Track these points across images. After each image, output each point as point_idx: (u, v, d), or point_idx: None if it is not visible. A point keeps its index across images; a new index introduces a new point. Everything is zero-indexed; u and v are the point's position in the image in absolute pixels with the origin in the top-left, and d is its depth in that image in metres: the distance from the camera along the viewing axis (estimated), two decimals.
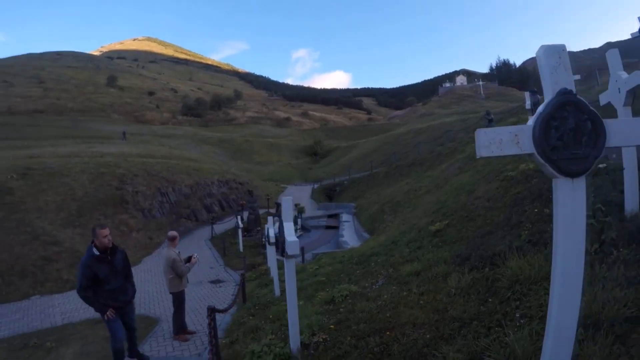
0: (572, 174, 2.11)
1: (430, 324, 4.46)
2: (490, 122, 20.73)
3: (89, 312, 10.54)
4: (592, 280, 3.56)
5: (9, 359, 9.60)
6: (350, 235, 23.47)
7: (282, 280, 12.56)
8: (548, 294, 3.18)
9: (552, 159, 2.09)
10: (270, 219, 25.68)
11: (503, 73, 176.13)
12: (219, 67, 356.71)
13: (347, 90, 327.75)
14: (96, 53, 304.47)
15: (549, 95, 2.21)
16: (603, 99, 5.44)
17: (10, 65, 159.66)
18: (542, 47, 2.23)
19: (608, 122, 2.15)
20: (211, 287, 15.49)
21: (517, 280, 4.32)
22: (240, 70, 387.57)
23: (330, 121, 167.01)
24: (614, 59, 4.94)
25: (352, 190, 39.81)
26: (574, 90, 2.16)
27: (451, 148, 29.29)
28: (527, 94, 16.64)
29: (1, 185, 24.55)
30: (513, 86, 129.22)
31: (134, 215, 27.71)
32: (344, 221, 28.38)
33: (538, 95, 16.61)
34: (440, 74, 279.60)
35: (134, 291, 6.71)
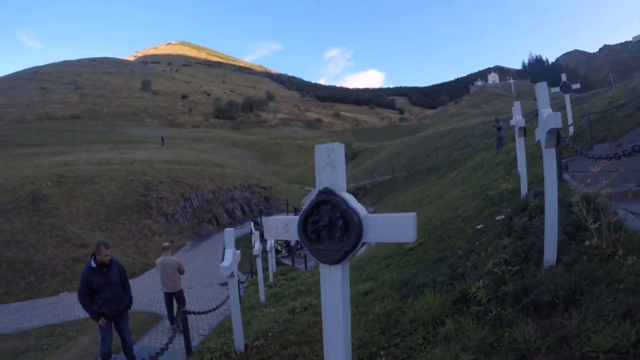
0: (327, 263, 2.20)
1: None
2: (499, 130, 21.13)
3: None
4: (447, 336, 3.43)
5: (37, 344, 11.79)
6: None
7: (270, 287, 13.93)
8: (425, 337, 3.69)
9: (310, 248, 2.25)
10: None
11: (536, 70, 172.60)
12: (252, 69, 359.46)
13: (380, 89, 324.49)
14: (131, 58, 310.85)
15: (315, 192, 2.35)
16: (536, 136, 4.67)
17: (48, 72, 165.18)
18: (316, 147, 2.33)
19: (366, 219, 2.06)
20: (219, 289, 17.30)
21: (415, 318, 4.23)
22: (272, 71, 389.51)
23: (361, 121, 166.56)
24: (541, 93, 4.31)
25: (372, 195, 39.87)
26: (335, 189, 2.16)
27: (466, 154, 29.14)
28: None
29: (37, 193, 27.02)
30: (548, 83, 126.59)
31: (157, 220, 29.29)
32: None
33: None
34: (473, 71, 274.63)
35: (131, 301, 7.49)
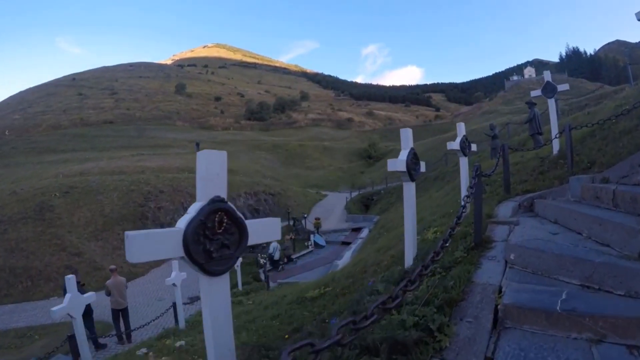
0: (220, 272, 2.38)
1: None
2: (493, 139, 18.64)
3: None
4: None
5: (9, 343, 14.13)
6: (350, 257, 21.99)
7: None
8: None
9: (203, 260, 2.27)
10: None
11: (573, 62, 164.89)
12: (288, 69, 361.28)
13: (417, 86, 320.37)
14: (168, 62, 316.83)
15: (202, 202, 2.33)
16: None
17: (86, 78, 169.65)
18: (199, 154, 2.38)
19: (249, 223, 2.55)
20: (188, 303, 17.28)
21: None
22: (308, 70, 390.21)
23: (395, 120, 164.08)
24: (405, 136, 5.18)
25: (384, 202, 37.79)
26: (224, 197, 2.40)
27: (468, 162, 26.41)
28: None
29: (45, 203, 28.38)
30: (583, 77, 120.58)
31: None
32: (359, 237, 26.86)
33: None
34: (511, 65, 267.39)
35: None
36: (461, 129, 7.55)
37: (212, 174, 2.36)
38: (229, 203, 2.41)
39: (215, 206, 2.28)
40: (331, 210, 41.04)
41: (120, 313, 12.61)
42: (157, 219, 30.36)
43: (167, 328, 13.21)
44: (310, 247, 28.08)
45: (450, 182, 24.28)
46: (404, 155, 5.13)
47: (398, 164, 5.05)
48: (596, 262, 3.48)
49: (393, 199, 35.88)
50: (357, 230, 30.95)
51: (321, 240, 29.31)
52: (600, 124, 7.68)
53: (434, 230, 7.19)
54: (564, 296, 3.19)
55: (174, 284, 12.96)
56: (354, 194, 47.31)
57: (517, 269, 4.23)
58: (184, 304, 16.59)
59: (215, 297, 2.40)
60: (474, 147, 8.00)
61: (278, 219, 3.06)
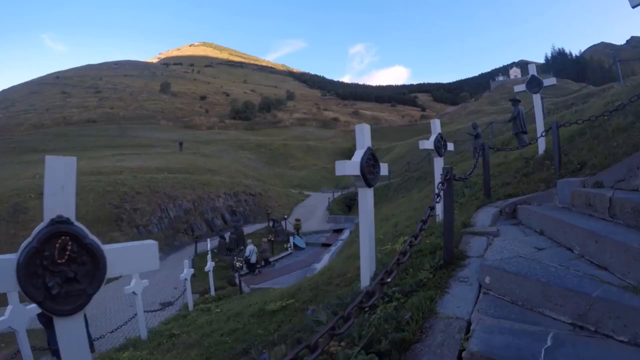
0: (66, 312, 1.92)
1: None
2: (476, 138, 17.88)
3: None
4: None
5: None
6: (328, 260, 21.23)
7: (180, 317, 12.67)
8: None
9: (42, 297, 1.85)
10: (250, 241, 24.38)
11: (559, 63, 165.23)
12: (274, 68, 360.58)
13: (403, 86, 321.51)
14: (154, 60, 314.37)
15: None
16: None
17: (70, 76, 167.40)
18: (48, 158, 2.05)
19: (108, 251, 2.11)
20: (158, 309, 16.49)
21: None
22: (295, 70, 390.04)
23: (382, 119, 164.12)
24: (361, 133, 4.66)
25: None
26: (71, 217, 2.03)
27: (447, 164, 25.54)
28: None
29: (19, 205, 27.19)
30: (568, 78, 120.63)
31: (126, 233, 27.88)
32: (340, 239, 26.12)
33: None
34: (497, 65, 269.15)
35: None
36: (436, 126, 6.70)
37: (54, 188, 1.95)
38: (79, 225, 2.01)
39: (56, 229, 1.89)
40: (313, 210, 40.21)
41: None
42: (133, 221, 29.21)
43: (129, 338, 12.41)
44: (289, 249, 27.23)
45: (432, 183, 23.50)
46: (358, 156, 4.29)
47: (349, 167, 4.18)
48: (593, 297, 2.67)
49: (375, 199, 34.44)
50: (339, 231, 30.29)
51: (301, 242, 28.48)
52: (592, 120, 6.82)
53: (404, 240, 6.29)
54: (549, 342, 2.43)
55: (134, 292, 12.03)
56: (337, 194, 46.51)
57: (492, 295, 3.43)
58: (155, 310, 16.14)
59: (66, 339, 1.96)
60: (450, 146, 7.15)
61: (154, 243, 2.37)
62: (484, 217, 6.08)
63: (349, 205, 42.02)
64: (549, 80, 9.48)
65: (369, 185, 4.40)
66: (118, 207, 29.92)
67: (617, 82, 18.88)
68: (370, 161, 4.42)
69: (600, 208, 4.25)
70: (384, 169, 4.82)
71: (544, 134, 7.80)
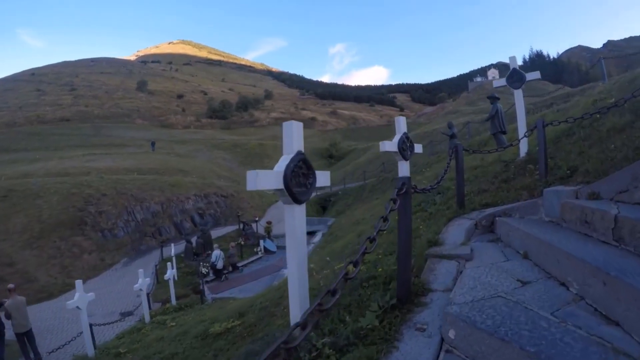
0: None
1: None
2: (451, 138, 16.96)
3: None
4: None
5: None
6: None
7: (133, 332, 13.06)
8: None
9: None
10: (216, 246, 23.19)
11: (536, 65, 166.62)
12: (253, 67, 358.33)
13: (382, 86, 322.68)
14: (132, 58, 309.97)
15: None
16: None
17: (45, 73, 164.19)
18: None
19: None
20: (117, 320, 15.35)
21: None
22: (274, 69, 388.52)
23: (360, 119, 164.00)
24: (290, 132, 3.63)
25: (341, 203, 35.91)
26: None
27: (418, 166, 24.35)
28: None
29: None
30: (546, 79, 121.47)
31: (90, 237, 26.87)
32: (312, 242, 24.98)
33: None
34: (476, 67, 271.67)
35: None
36: (400, 125, 5.64)
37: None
38: None
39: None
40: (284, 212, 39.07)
41: (25, 337, 11.04)
42: (97, 225, 27.81)
43: (76, 354, 11.49)
44: (259, 253, 26.06)
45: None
46: (282, 164, 3.23)
47: (265, 179, 3.13)
48: None
49: (350, 200, 34.21)
50: (311, 234, 29.15)
51: (272, 246, 27.33)
52: (585, 118, 5.78)
53: (375, 252, 5.22)
54: None
55: (77, 307, 10.84)
56: (312, 194, 45.51)
57: (458, 357, 2.48)
58: (113, 321, 14.74)
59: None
60: (418, 148, 6.10)
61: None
62: (455, 232, 5.04)
63: (324, 206, 40.91)
64: (533, 74, 8.45)
65: (296, 201, 3.31)
66: (82, 210, 28.61)
67: (602, 80, 18.13)
68: (300, 170, 3.33)
69: (601, 228, 3.27)
70: (323, 179, 3.73)
71: (527, 134, 6.70)
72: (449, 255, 4.07)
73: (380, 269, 4.07)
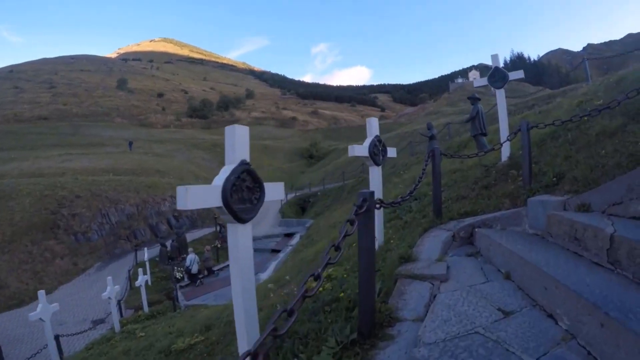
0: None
1: None
2: (430, 139, 16.54)
3: None
4: None
5: None
6: (273, 269, 19.61)
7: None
8: None
9: None
10: (191, 250, 22.55)
11: (517, 67, 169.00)
12: (235, 66, 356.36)
13: (364, 87, 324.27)
14: (113, 55, 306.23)
15: None
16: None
17: (24, 70, 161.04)
18: None
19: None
20: (89, 328, 14.93)
21: None
22: (256, 68, 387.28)
23: (341, 119, 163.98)
24: (232, 137, 3.03)
25: (319, 204, 35.59)
26: None
27: (397, 167, 23.78)
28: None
29: None
30: (527, 81, 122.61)
31: (63, 241, 25.99)
32: (290, 245, 24.53)
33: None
34: (457, 68, 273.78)
35: None
36: (372, 126, 5.14)
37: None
38: None
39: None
40: (265, 213, 38.36)
41: None
42: (70, 228, 26.82)
43: None
44: None
45: (385, 185, 22.25)
46: (222, 176, 2.73)
47: (197, 196, 2.61)
48: None
49: (329, 201, 33.89)
50: (290, 235, 28.81)
51: None
52: (575, 121, 5.30)
53: (330, 273, 4.72)
54: None
55: (40, 319, 10.23)
56: (291, 195, 44.99)
57: None
58: (84, 330, 14.35)
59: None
60: (391, 152, 5.60)
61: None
62: (431, 246, 4.57)
63: (303, 207, 40.54)
64: (516, 74, 7.97)
65: (239, 220, 2.80)
66: (55, 212, 27.64)
67: (586, 82, 17.90)
68: (244, 183, 2.82)
69: (594, 247, 2.85)
70: (274, 192, 3.21)
71: (510, 137, 6.21)
72: (421, 276, 3.60)
73: (342, 294, 3.56)
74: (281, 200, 42.14)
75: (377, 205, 3.03)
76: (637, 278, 2.41)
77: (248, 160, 2.88)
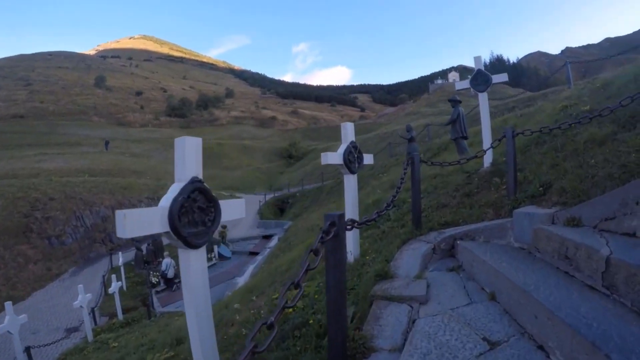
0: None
1: None
2: (410, 142, 16.27)
3: None
4: None
5: None
6: (251, 273, 19.14)
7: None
8: None
9: None
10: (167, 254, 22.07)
11: (497, 69, 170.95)
12: (215, 65, 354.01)
13: (344, 87, 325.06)
14: (91, 52, 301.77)
15: None
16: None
17: (0, 67, 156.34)
18: None
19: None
20: (62, 337, 14.32)
21: None
22: (236, 67, 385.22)
23: (320, 119, 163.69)
24: (180, 150, 2.75)
25: (298, 205, 35.19)
26: None
27: (376, 169, 23.54)
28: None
29: None
30: (507, 83, 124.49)
31: (36, 245, 25.16)
32: (268, 247, 24.14)
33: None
34: (437, 69, 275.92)
35: None
36: (347, 132, 4.83)
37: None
38: None
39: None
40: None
41: None
42: (44, 232, 26.02)
43: None
44: (214, 259, 24.84)
45: (363, 189, 22.00)
46: (169, 196, 2.44)
47: (140, 222, 2.29)
48: None
49: (307, 202, 33.50)
50: (268, 237, 28.41)
51: (226, 251, 26.25)
52: (564, 128, 5.03)
53: (314, 285, 4.41)
54: None
55: (9, 332, 9.75)
56: (269, 196, 44.57)
57: None
58: (58, 340, 13.78)
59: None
60: (368, 158, 5.29)
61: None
62: (410, 260, 4.29)
63: (282, 208, 40.17)
64: (500, 77, 7.66)
65: (190, 245, 2.47)
66: (28, 215, 26.68)
67: (568, 85, 17.86)
68: (195, 204, 2.50)
69: (587, 269, 2.62)
70: (234, 210, 2.90)
71: (494, 144, 5.92)
72: (399, 297, 3.31)
73: (311, 320, 3.25)
74: (259, 201, 41.79)
75: (349, 227, 2.72)
76: (636, 307, 2.16)
77: (201, 177, 2.56)
